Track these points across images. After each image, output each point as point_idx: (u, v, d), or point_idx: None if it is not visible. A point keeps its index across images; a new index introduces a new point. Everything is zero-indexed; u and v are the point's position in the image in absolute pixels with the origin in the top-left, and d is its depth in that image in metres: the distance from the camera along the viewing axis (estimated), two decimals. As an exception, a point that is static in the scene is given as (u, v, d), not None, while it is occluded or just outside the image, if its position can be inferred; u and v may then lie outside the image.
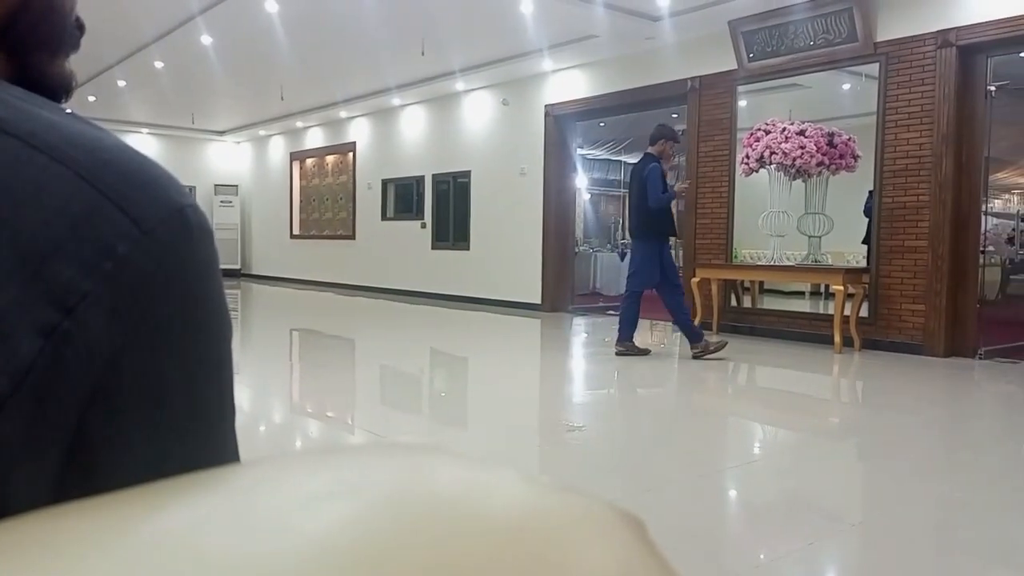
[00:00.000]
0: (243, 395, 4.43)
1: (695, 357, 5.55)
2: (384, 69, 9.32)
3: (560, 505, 0.20)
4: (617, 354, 5.71)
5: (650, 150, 5.61)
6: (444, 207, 10.80)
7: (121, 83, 10.33)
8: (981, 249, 5.81)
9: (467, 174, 10.29)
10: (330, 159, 13.45)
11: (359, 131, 12.46)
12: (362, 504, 0.18)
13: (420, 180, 11.18)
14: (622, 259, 12.01)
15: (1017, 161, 6.37)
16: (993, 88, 5.74)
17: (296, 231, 14.43)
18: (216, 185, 15.41)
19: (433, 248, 10.95)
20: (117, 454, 0.31)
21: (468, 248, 10.29)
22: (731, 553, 2.27)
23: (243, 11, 7.24)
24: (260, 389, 4.75)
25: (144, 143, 14.38)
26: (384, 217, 12.01)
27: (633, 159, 16.13)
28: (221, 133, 15.12)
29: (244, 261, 15.74)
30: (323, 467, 0.21)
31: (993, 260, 6.03)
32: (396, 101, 11.06)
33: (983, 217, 5.79)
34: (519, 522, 0.19)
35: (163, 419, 0.32)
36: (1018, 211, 6.46)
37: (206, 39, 8.11)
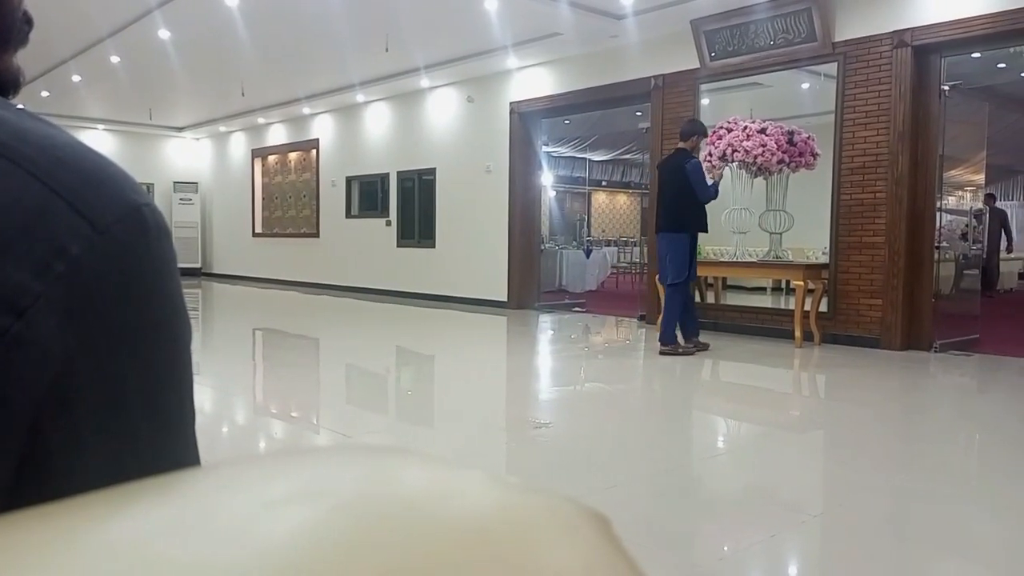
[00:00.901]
0: (205, 396, 4.35)
1: (662, 353, 5.60)
2: (347, 65, 9.23)
3: (525, 505, 0.20)
4: (682, 353, 5.62)
5: (683, 145, 5.66)
6: (409, 205, 10.74)
7: (76, 78, 10.08)
8: (936, 245, 5.96)
9: (432, 171, 10.25)
10: (293, 156, 13.28)
11: (322, 128, 12.32)
12: (325, 508, 0.18)
13: (385, 177, 11.10)
14: (587, 256, 12.08)
15: (970, 159, 6.54)
16: (947, 87, 5.88)
17: (259, 229, 14.23)
18: (175, 182, 15.13)
19: (398, 246, 10.89)
20: (73, 459, 0.30)
21: (434, 246, 10.26)
22: (696, 546, 2.30)
23: (202, 5, 7.11)
24: (223, 390, 4.68)
25: (100, 139, 14.05)
26: (348, 215, 11.90)
27: (599, 157, 16.34)
28: (180, 129, 14.83)
29: (205, 260, 15.48)
30: (285, 470, 0.21)
31: (947, 255, 6.18)
32: (360, 98, 10.97)
33: (938, 213, 5.94)
34: (484, 523, 0.19)
35: (120, 423, 0.31)
36: (971, 207, 6.63)
37: (164, 33, 7.94)
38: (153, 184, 14.83)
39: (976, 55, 6.31)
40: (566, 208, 17.13)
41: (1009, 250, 12.43)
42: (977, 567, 2.15)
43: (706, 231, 5.69)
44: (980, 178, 6.79)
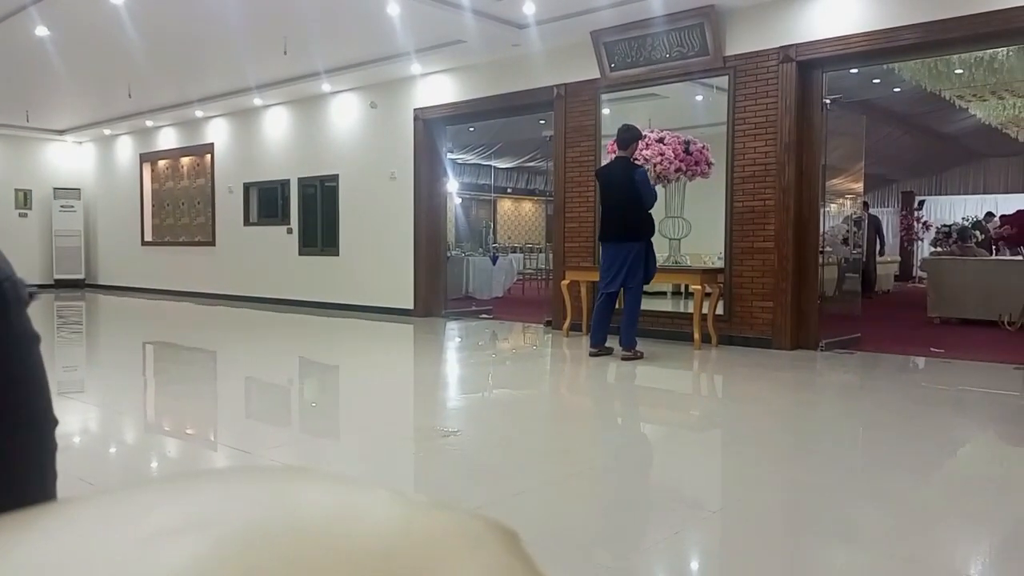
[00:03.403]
0: (91, 415, 4.10)
1: (624, 359, 5.70)
2: (243, 68, 8.94)
3: (431, 523, 0.19)
4: (623, 359, 5.71)
5: (623, 154, 5.74)
6: (311, 212, 10.49)
7: (-60, 75, 9.31)
8: (820, 250, 6.32)
9: (335, 178, 10.05)
10: (185, 161, 12.73)
11: (217, 132, 11.87)
12: (214, 538, 0.17)
13: (285, 184, 10.80)
14: (494, 263, 12.13)
15: (849, 168, 6.98)
16: (828, 101, 6.26)
17: (148, 237, 13.55)
18: (55, 188, 14.21)
19: (300, 254, 10.61)
20: None
21: (337, 254, 10.05)
22: (602, 548, 2.33)
23: (83, 2, 6.71)
24: (109, 407, 4.41)
25: (-31, 142, 13.05)
26: (247, 222, 11.50)
27: (503, 164, 16.46)
28: (61, 132, 13.95)
29: (89, 271, 14.59)
30: (170, 498, 0.19)
31: (831, 260, 6.56)
32: (257, 101, 10.63)
33: (821, 220, 6.30)
34: (388, 545, 0.18)
35: None
36: (852, 214, 7.07)
37: (41, 31, 7.45)
38: (31, 190, 13.90)
39: (854, 71, 6.74)
40: (472, 215, 17.18)
41: (881, 253, 13.34)
42: (862, 552, 2.28)
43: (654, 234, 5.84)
44: (859, 186, 7.25)
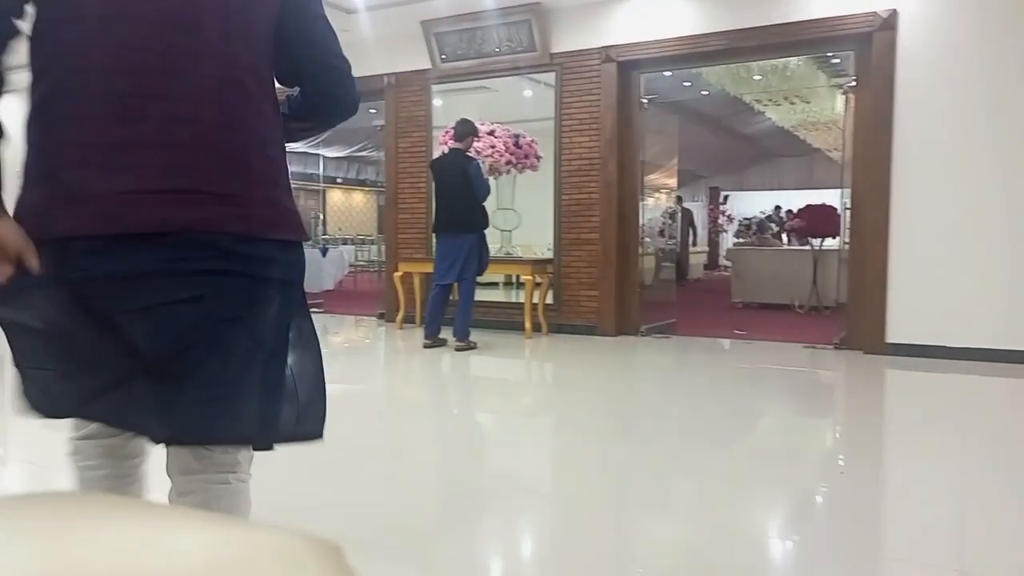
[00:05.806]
0: None
1: (458, 349, 5.76)
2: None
3: (245, 547, 0.18)
4: (457, 350, 5.76)
5: (459, 146, 5.79)
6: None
7: None
8: (640, 241, 6.72)
9: (145, 163, 9.27)
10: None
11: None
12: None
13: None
14: (324, 255, 11.77)
15: (664, 165, 7.47)
16: (645, 100, 6.64)
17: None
18: None
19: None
20: None
21: (150, 245, 9.29)
22: (439, 539, 2.35)
23: None
24: None
25: None
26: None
27: (333, 153, 15.99)
28: None
29: None
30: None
31: (649, 250, 6.99)
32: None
33: (640, 213, 6.70)
34: (204, 572, 0.17)
35: None
36: (668, 208, 7.56)
37: None
38: None
39: (667, 73, 7.20)
40: (300, 206, 16.57)
41: (694, 244, 14.45)
42: (677, 523, 2.46)
43: (488, 226, 5.93)
44: (673, 182, 7.78)
